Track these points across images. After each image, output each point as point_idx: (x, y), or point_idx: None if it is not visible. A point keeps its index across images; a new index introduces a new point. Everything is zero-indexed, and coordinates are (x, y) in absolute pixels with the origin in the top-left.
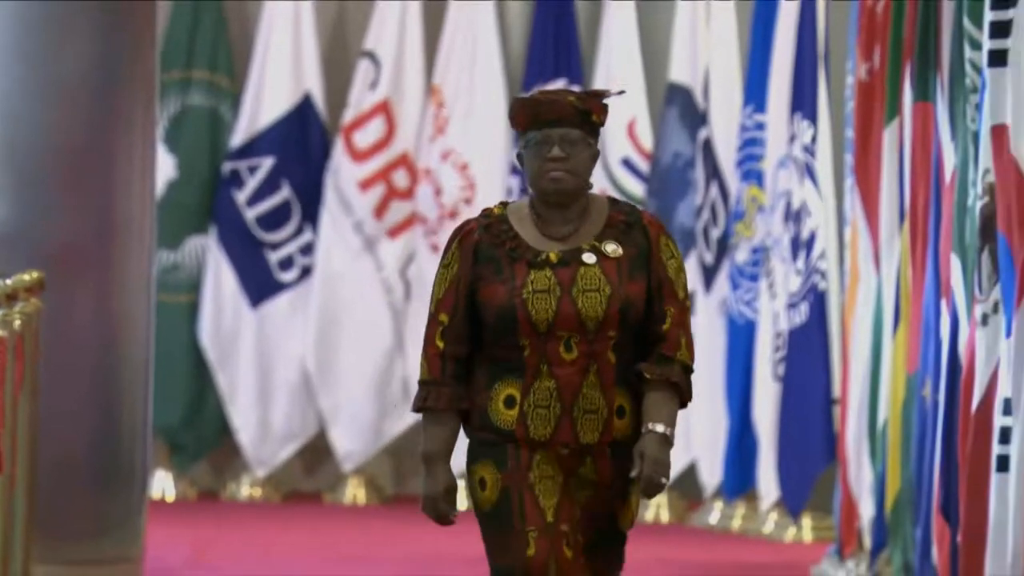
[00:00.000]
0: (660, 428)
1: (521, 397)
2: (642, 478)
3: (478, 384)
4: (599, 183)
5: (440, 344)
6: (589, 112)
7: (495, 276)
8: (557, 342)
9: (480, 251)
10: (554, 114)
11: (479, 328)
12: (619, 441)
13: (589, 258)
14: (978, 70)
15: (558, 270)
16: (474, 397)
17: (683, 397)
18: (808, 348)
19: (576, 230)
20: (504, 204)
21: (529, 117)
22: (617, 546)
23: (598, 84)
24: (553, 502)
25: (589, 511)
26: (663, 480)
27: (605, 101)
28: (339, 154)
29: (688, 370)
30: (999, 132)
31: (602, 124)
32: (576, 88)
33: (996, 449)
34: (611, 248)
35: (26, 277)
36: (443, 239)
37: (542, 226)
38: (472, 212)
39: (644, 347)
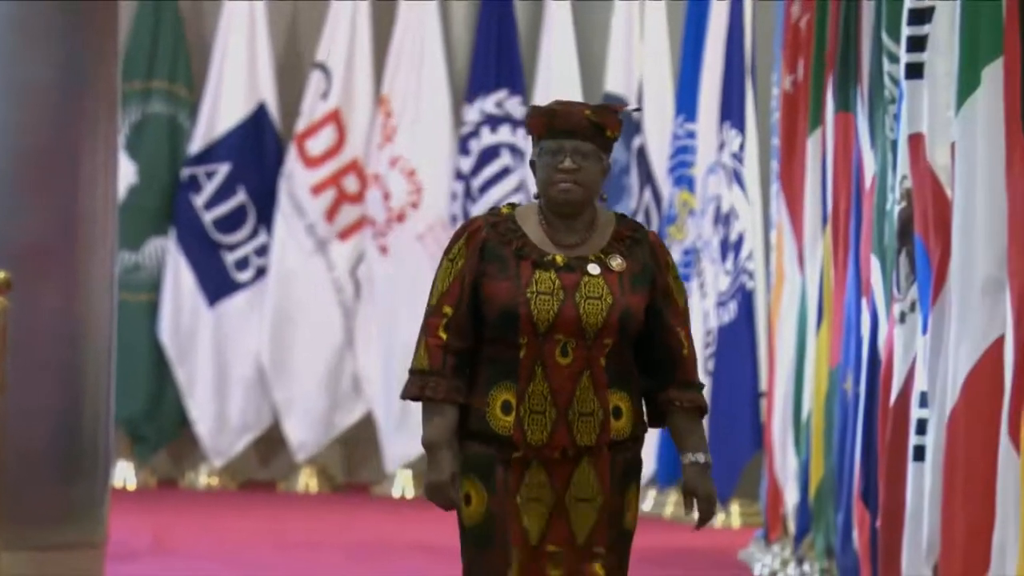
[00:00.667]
0: (702, 458)
1: (517, 402)
2: (700, 515)
3: (477, 386)
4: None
5: (443, 336)
6: (603, 127)
7: (500, 273)
8: (554, 345)
9: (487, 248)
10: (569, 125)
11: (479, 325)
12: (618, 441)
13: (593, 269)
14: (896, 82)
15: (563, 274)
16: (472, 399)
17: (703, 413)
18: (736, 344)
19: (583, 241)
20: (512, 206)
21: (544, 126)
22: (627, 546)
23: (539, 93)
24: (539, 526)
25: (600, 520)
26: (716, 510)
27: (620, 116)
28: (292, 160)
29: (702, 388)
30: (916, 141)
31: (615, 139)
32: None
33: (913, 440)
34: (616, 262)
35: None
36: (391, 241)
37: (550, 232)
38: (419, 215)
39: (654, 364)
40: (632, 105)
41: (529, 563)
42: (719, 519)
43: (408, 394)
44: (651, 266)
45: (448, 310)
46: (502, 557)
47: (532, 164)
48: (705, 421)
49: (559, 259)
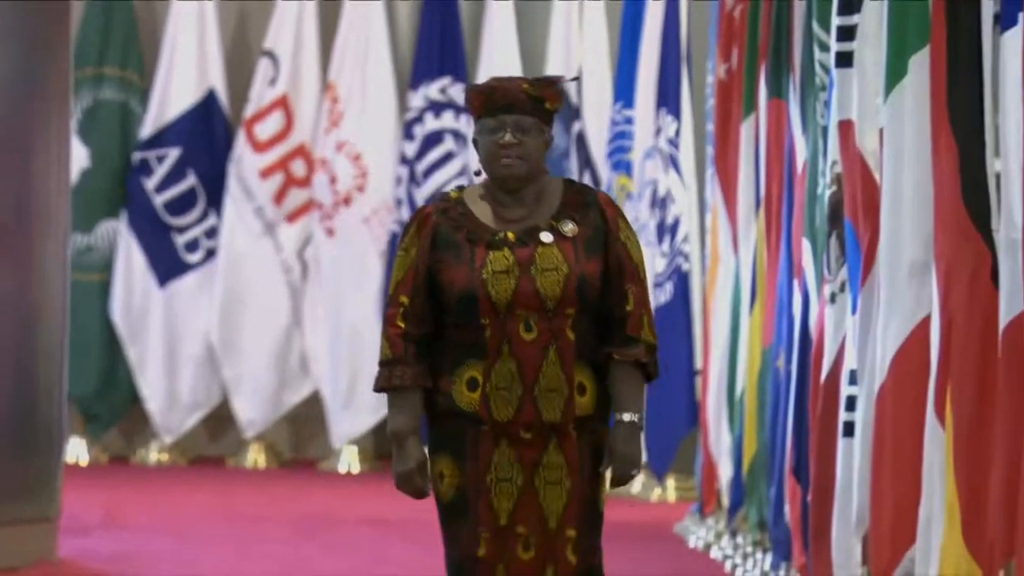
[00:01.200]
0: (628, 417)
1: (483, 379)
2: (614, 474)
3: (441, 368)
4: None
5: (402, 324)
6: (542, 99)
7: (455, 259)
8: (517, 322)
9: (439, 235)
10: (507, 100)
11: (439, 311)
12: (583, 418)
13: (546, 237)
14: (826, 70)
15: (516, 249)
16: (437, 381)
17: (649, 374)
18: (673, 324)
19: (532, 213)
20: (460, 188)
21: (483, 103)
22: (599, 529)
23: (481, 79)
24: (509, 505)
25: (570, 502)
26: (633, 472)
27: (558, 87)
28: (241, 145)
29: (652, 348)
30: (845, 127)
31: (556, 111)
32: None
33: (843, 416)
34: (568, 228)
35: None
36: (338, 224)
37: (498, 209)
38: (365, 199)
39: (605, 326)
40: (570, 76)
41: (497, 542)
42: (655, 493)
43: (377, 386)
44: (602, 228)
45: (404, 299)
46: (472, 534)
47: (475, 142)
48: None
49: (510, 235)
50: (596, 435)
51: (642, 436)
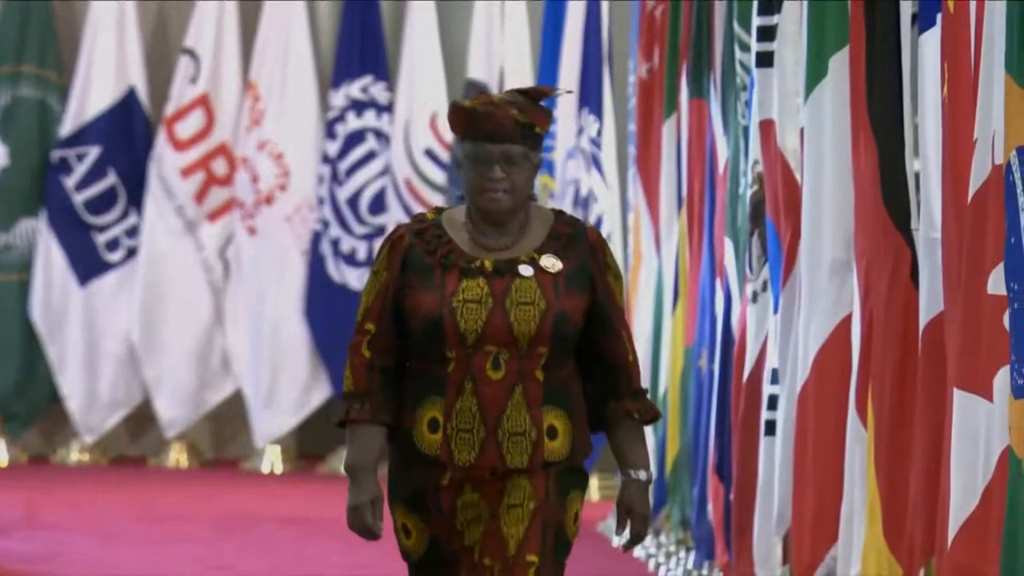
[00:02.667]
0: (643, 476)
1: (444, 419)
2: (632, 535)
3: (405, 403)
4: (403, 171)
5: (367, 354)
6: (532, 125)
7: (424, 283)
8: (485, 358)
9: (411, 258)
10: (493, 128)
11: (405, 339)
12: (552, 463)
13: (526, 271)
14: (747, 70)
15: (492, 280)
16: (400, 417)
17: (654, 420)
18: None
19: (514, 243)
20: (439, 210)
21: (467, 128)
22: (566, 556)
23: (403, 80)
24: (476, 537)
25: (532, 525)
26: (648, 531)
27: (548, 110)
28: (162, 143)
29: (647, 395)
30: (767, 127)
31: (546, 132)
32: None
33: (764, 415)
34: (550, 262)
35: None
36: (259, 223)
37: (478, 236)
38: (287, 197)
39: (599, 370)
40: (562, 90)
41: None
42: None
43: (338, 418)
44: (590, 266)
45: (371, 327)
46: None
47: (458, 165)
48: None
49: (487, 264)
50: (567, 463)
51: (650, 495)
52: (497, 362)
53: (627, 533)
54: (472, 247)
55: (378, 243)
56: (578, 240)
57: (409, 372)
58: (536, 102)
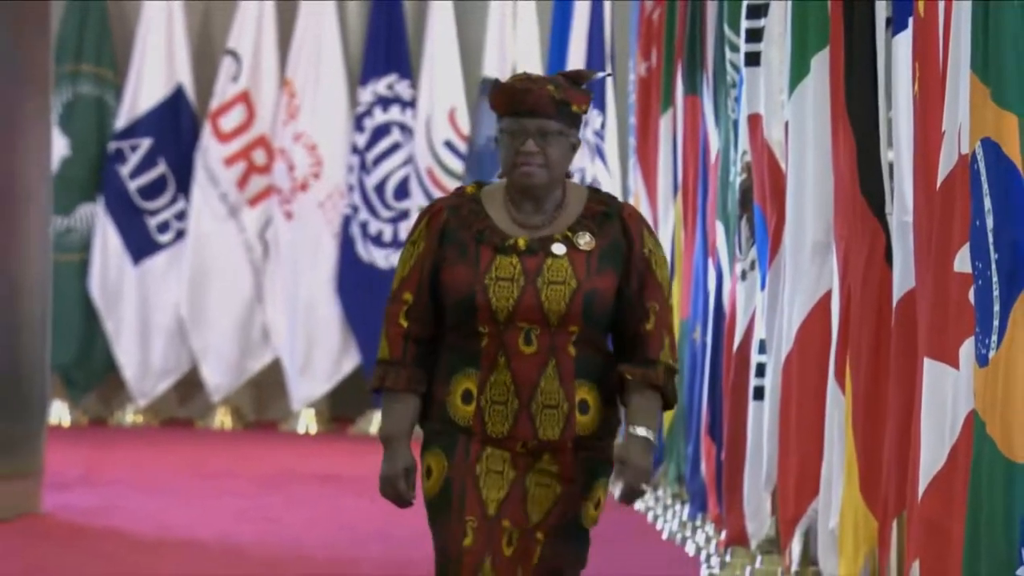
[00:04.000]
0: (642, 432)
1: (478, 392)
2: (623, 487)
3: (438, 374)
4: (424, 161)
5: (404, 323)
6: (568, 102)
7: (459, 258)
8: (517, 333)
9: (447, 232)
10: (530, 104)
11: (441, 310)
12: (583, 437)
13: (559, 249)
14: (737, 69)
15: (525, 258)
16: (433, 387)
17: (667, 399)
18: None
19: (550, 221)
20: (479, 184)
21: (505, 104)
22: (580, 545)
23: (424, 78)
24: (498, 496)
25: (554, 508)
26: (644, 486)
27: (585, 89)
28: (207, 136)
29: (672, 372)
30: (754, 121)
31: (583, 113)
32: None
33: (753, 381)
34: (584, 240)
35: None
36: (296, 207)
37: (515, 214)
38: (320, 185)
39: (622, 343)
40: (599, 73)
41: (484, 532)
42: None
43: (373, 385)
44: (622, 242)
45: (408, 297)
46: (458, 526)
47: (496, 140)
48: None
49: (521, 242)
50: (596, 450)
51: (653, 456)
52: (529, 337)
53: (620, 485)
54: (508, 224)
55: (402, 226)
56: (612, 217)
57: (444, 343)
58: (576, 83)
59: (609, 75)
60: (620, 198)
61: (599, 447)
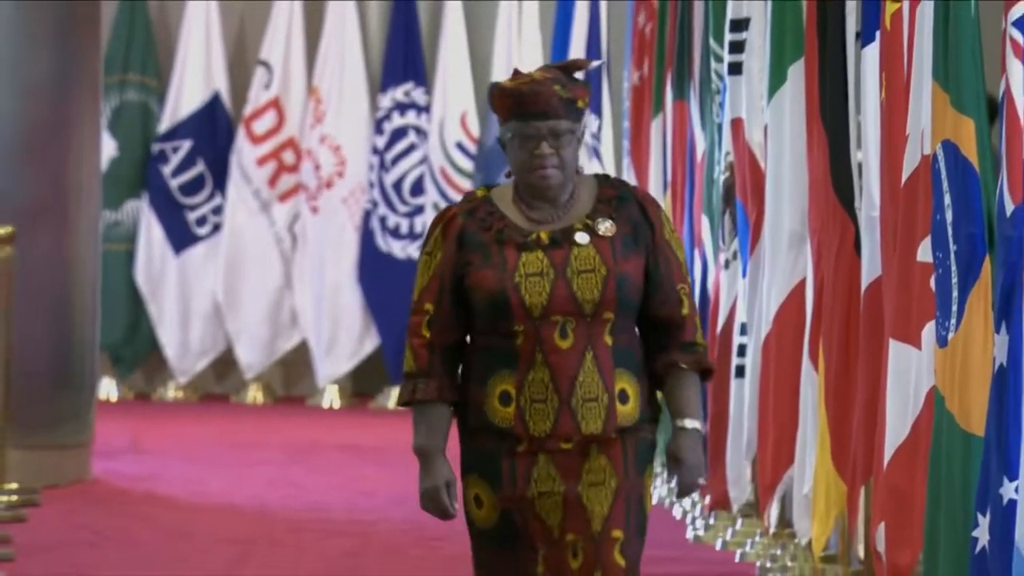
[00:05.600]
0: (692, 424)
1: (516, 392)
2: (680, 485)
3: (472, 378)
4: (438, 161)
5: (426, 334)
6: (575, 100)
7: (484, 261)
8: (552, 327)
9: (466, 237)
10: (540, 106)
11: (468, 316)
12: (626, 428)
13: (582, 238)
14: (721, 77)
15: (550, 251)
16: (468, 392)
17: (708, 377)
18: None
19: (566, 212)
20: (487, 187)
21: (512, 107)
22: (644, 530)
23: (438, 86)
24: (558, 518)
25: (616, 502)
26: (700, 480)
27: (587, 83)
28: (241, 138)
29: (707, 350)
30: (737, 124)
31: (587, 105)
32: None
33: (735, 361)
34: (605, 226)
35: (2, 231)
36: (322, 203)
37: (529, 211)
38: (343, 182)
39: (651, 326)
40: (598, 61)
41: (553, 557)
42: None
43: (400, 400)
44: (643, 224)
45: (429, 307)
46: (528, 555)
47: (502, 143)
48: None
49: (543, 236)
50: (641, 435)
51: (702, 446)
52: (564, 331)
53: (676, 482)
54: (525, 221)
55: (418, 219)
56: (627, 201)
57: (474, 347)
58: (572, 75)
59: (601, 63)
60: None
61: (642, 434)
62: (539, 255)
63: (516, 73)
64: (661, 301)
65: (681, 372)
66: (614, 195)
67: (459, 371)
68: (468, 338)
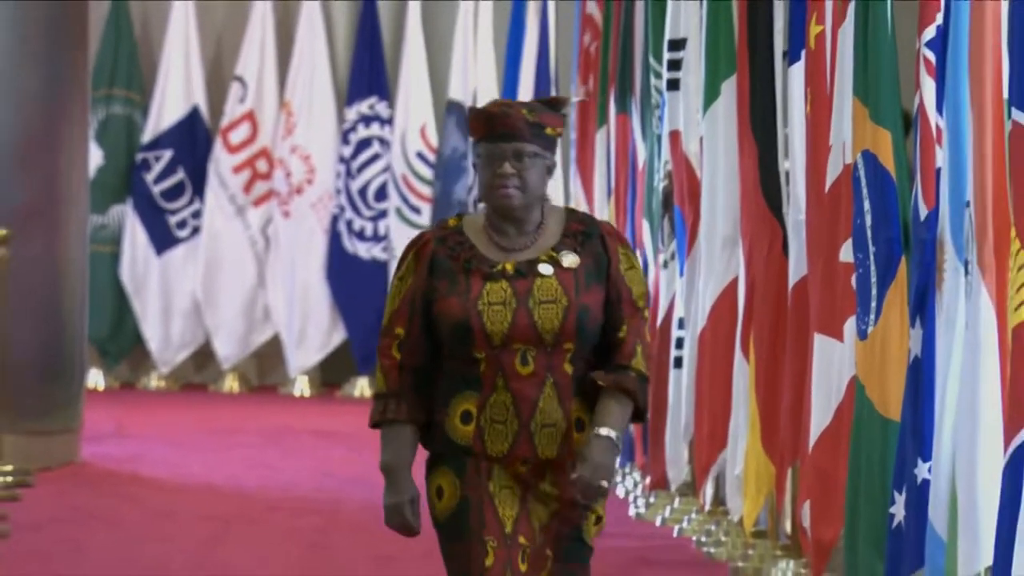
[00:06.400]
0: (605, 432)
1: (477, 412)
2: (579, 481)
3: (438, 398)
4: (400, 169)
5: (397, 356)
6: (542, 125)
7: (450, 288)
8: (513, 355)
9: (436, 263)
10: (506, 127)
11: (435, 341)
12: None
13: (546, 269)
14: (660, 93)
15: (514, 281)
16: (433, 413)
17: (637, 405)
18: None
19: (532, 243)
20: (460, 216)
21: (482, 129)
22: (584, 559)
23: (400, 100)
24: (512, 513)
25: (556, 526)
26: (603, 484)
27: (559, 113)
28: (218, 148)
29: (643, 379)
30: (674, 136)
31: (558, 135)
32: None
33: (673, 352)
34: (568, 259)
35: None
36: (293, 208)
37: (498, 238)
38: (312, 189)
39: (601, 356)
40: (575, 97)
41: (503, 551)
42: None
43: (372, 421)
44: (604, 258)
45: (400, 331)
46: (479, 546)
47: (475, 166)
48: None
49: (509, 266)
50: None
51: (617, 458)
52: (525, 358)
53: (577, 479)
54: (492, 250)
55: (381, 223)
56: (592, 236)
57: (442, 370)
58: (551, 107)
59: (586, 99)
60: (562, 200)
61: None
62: (503, 285)
63: (497, 102)
64: (610, 328)
65: (606, 390)
66: (581, 229)
67: (428, 392)
68: (435, 361)
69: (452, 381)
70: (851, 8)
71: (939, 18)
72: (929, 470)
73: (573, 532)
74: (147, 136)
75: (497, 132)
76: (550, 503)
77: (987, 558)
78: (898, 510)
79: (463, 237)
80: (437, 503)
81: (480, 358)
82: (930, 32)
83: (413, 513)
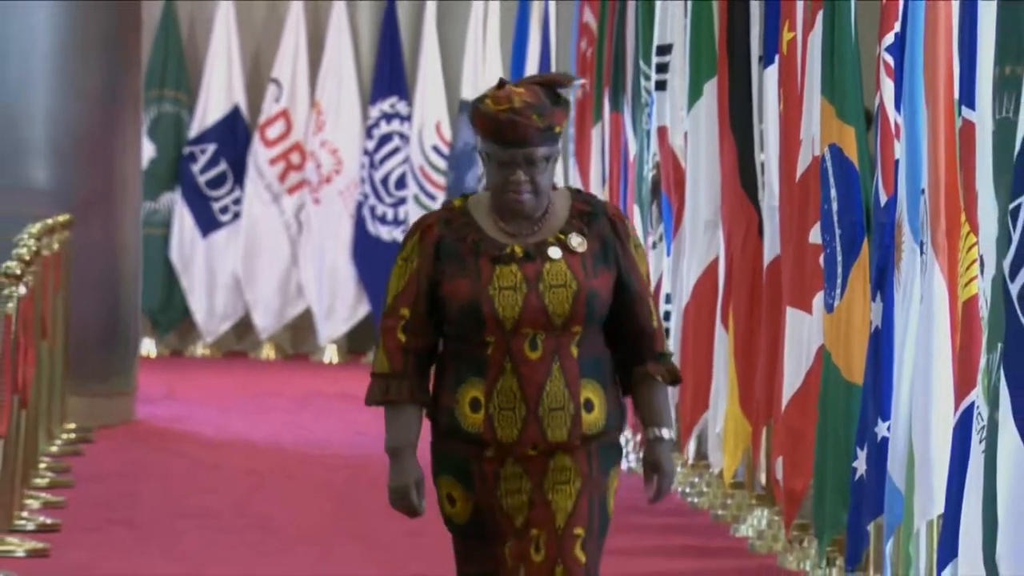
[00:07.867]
0: (667, 434)
1: (485, 399)
2: (658, 491)
3: (443, 383)
4: (418, 161)
5: (402, 337)
6: (552, 127)
7: (459, 271)
8: (522, 339)
9: (442, 246)
10: (517, 136)
11: (441, 322)
12: (590, 435)
13: (555, 252)
14: (649, 93)
15: (524, 265)
16: (440, 397)
17: (678, 384)
18: None
19: (539, 226)
20: (465, 197)
21: (490, 132)
22: (606, 530)
23: (418, 99)
24: (522, 513)
25: (579, 499)
26: (675, 487)
27: (565, 107)
28: (256, 142)
29: (672, 358)
30: (662, 131)
31: (563, 128)
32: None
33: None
34: (576, 242)
35: (61, 218)
36: (322, 195)
37: (504, 222)
38: (340, 178)
39: (624, 338)
40: (576, 82)
41: (517, 546)
42: None
43: (372, 400)
44: (612, 239)
45: (405, 312)
46: (498, 544)
47: (481, 155)
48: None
49: (518, 250)
50: (606, 439)
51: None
52: (534, 343)
53: (654, 488)
54: (499, 233)
55: (401, 209)
56: (598, 217)
57: (446, 353)
58: (552, 92)
59: (583, 82)
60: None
61: (607, 438)
62: (513, 268)
63: (500, 83)
64: (635, 313)
65: (655, 383)
66: (587, 210)
67: (431, 374)
68: (441, 343)
69: (458, 365)
70: (819, 16)
71: (897, 26)
72: (888, 429)
73: (598, 503)
74: (193, 132)
75: (508, 139)
76: (571, 480)
77: (939, 507)
78: (860, 464)
79: (469, 218)
80: (450, 509)
81: (490, 341)
82: (889, 38)
83: (418, 495)
